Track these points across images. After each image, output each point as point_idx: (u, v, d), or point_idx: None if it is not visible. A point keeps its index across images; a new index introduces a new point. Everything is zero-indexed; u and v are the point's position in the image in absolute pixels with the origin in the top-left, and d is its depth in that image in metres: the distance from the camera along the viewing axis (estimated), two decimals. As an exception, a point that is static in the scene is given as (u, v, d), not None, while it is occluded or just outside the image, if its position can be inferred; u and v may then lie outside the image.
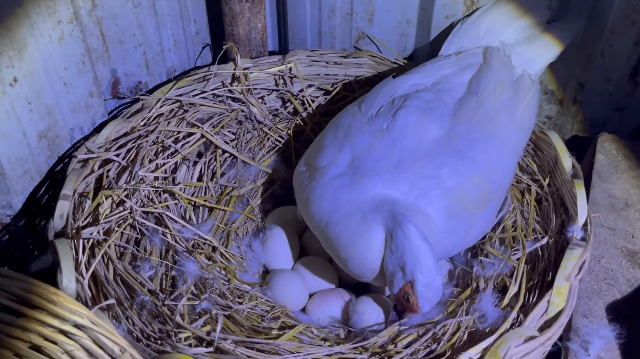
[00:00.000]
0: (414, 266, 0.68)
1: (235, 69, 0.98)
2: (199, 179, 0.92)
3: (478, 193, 0.76)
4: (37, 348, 0.53)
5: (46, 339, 0.52)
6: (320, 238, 0.77)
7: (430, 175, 0.74)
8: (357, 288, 0.86)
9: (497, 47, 0.89)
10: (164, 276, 0.76)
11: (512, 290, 0.73)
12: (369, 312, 0.77)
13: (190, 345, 0.65)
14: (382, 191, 0.72)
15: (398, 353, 0.67)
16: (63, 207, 0.75)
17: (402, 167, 0.74)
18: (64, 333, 0.52)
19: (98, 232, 0.75)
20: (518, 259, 0.77)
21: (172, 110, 0.94)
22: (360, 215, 0.71)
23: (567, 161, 0.84)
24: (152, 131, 0.89)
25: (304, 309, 0.84)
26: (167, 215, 0.82)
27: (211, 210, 0.90)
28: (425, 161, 0.75)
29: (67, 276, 0.66)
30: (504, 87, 0.82)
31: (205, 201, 0.89)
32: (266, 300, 0.80)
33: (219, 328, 0.65)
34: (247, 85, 0.99)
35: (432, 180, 0.74)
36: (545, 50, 0.91)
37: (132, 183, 0.82)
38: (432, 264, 0.68)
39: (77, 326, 0.52)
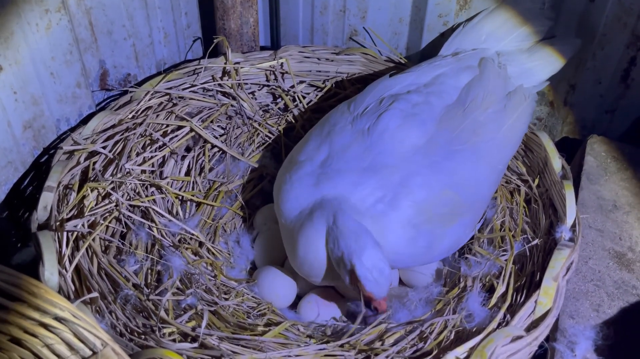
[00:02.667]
0: (350, 253, 0.68)
1: (225, 63, 0.98)
2: (187, 173, 0.91)
3: (446, 207, 0.75)
4: (16, 341, 0.52)
5: (26, 332, 0.51)
6: (281, 231, 0.78)
7: (399, 183, 0.73)
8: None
9: (492, 58, 0.87)
10: (149, 271, 0.75)
11: (500, 290, 0.73)
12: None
13: (174, 340, 0.64)
14: (336, 191, 0.72)
15: (385, 350, 0.66)
16: (47, 199, 0.74)
17: (372, 171, 0.74)
18: (45, 325, 0.51)
19: (82, 225, 0.74)
20: (506, 259, 0.77)
21: (161, 103, 0.93)
22: (309, 213, 0.72)
23: (556, 162, 0.84)
24: (140, 124, 0.88)
25: (292, 306, 0.83)
26: (153, 209, 0.81)
27: (199, 205, 0.89)
28: (398, 168, 0.74)
29: (50, 269, 0.65)
30: (492, 100, 0.81)
31: (192, 196, 0.89)
32: (253, 297, 0.80)
33: (204, 323, 0.64)
34: (237, 80, 0.98)
35: (399, 188, 0.73)
36: (545, 62, 0.90)
37: (119, 176, 0.81)
38: (369, 247, 0.68)
39: (58, 319, 0.51)
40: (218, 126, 0.97)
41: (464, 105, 0.79)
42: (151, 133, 0.88)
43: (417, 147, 0.76)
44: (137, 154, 0.86)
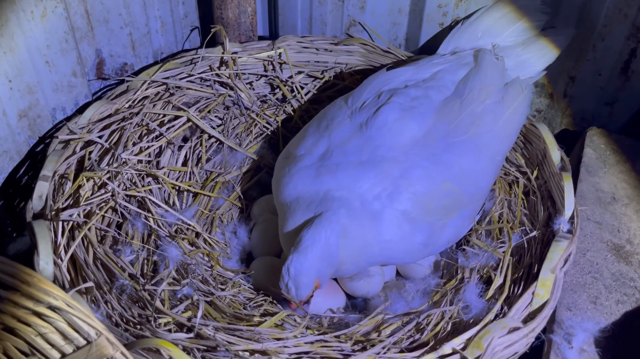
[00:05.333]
0: (293, 250, 0.69)
1: (223, 53, 0.97)
2: (184, 164, 0.91)
3: (447, 200, 0.74)
4: (10, 330, 0.51)
5: (20, 321, 0.51)
6: (279, 218, 0.78)
7: (399, 176, 0.72)
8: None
9: (489, 49, 0.87)
10: (145, 261, 0.75)
11: (497, 282, 0.73)
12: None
13: (170, 331, 0.64)
14: (338, 186, 0.72)
15: (381, 341, 0.66)
16: (42, 188, 0.73)
17: (372, 165, 0.73)
18: (38, 314, 0.50)
19: (78, 214, 0.73)
20: (504, 251, 0.77)
21: (158, 93, 0.92)
22: (308, 204, 0.72)
23: (555, 154, 0.83)
24: (137, 113, 0.87)
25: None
26: (150, 199, 0.80)
27: (195, 195, 0.89)
28: (397, 161, 0.73)
29: (45, 259, 0.64)
30: (490, 92, 0.80)
31: (189, 186, 0.88)
32: (249, 287, 0.79)
33: (199, 313, 0.64)
34: (235, 70, 0.97)
35: (399, 181, 0.72)
36: (541, 53, 0.90)
37: (115, 165, 0.80)
38: (309, 259, 0.68)
39: (52, 308, 0.50)
40: (215, 116, 0.96)
41: (461, 97, 0.79)
42: (148, 123, 0.87)
43: (416, 140, 0.75)
44: (134, 144, 0.85)
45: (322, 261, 0.69)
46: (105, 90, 0.99)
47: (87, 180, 0.77)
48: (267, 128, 0.98)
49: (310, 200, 0.72)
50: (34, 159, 0.88)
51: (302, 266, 0.68)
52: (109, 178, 0.78)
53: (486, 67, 0.83)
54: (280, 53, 0.99)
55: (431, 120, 0.77)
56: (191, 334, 0.63)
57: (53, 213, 0.71)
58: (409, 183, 0.72)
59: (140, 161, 0.85)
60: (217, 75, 0.96)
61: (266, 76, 1.00)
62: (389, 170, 0.73)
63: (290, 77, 1.00)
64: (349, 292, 0.83)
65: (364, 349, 0.65)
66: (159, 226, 0.79)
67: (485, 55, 0.84)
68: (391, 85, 0.81)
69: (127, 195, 0.80)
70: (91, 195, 0.77)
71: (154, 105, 0.90)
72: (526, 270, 0.74)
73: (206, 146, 0.92)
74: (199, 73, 0.95)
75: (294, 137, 0.85)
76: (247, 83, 0.99)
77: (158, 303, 0.66)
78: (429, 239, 0.74)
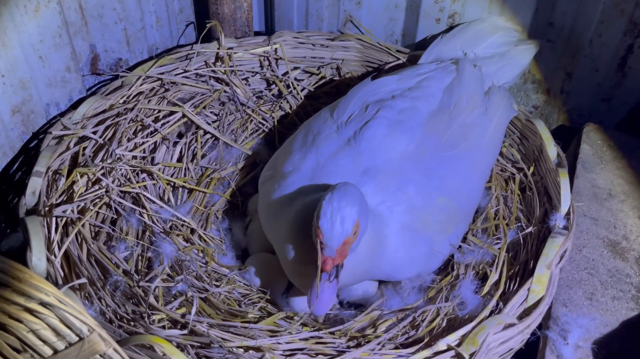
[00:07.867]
0: (327, 193, 0.63)
1: (219, 49, 0.96)
2: (179, 160, 0.90)
3: (443, 215, 0.74)
4: (2, 326, 0.51)
5: (11, 317, 0.50)
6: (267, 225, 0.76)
7: (395, 190, 0.72)
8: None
9: (467, 59, 0.88)
10: (139, 257, 0.74)
11: (493, 278, 0.73)
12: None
13: (163, 327, 0.64)
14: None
15: (377, 337, 0.66)
16: (35, 184, 0.73)
17: (369, 176, 0.72)
18: (30, 311, 0.50)
19: (72, 210, 0.73)
20: (499, 248, 0.76)
21: (153, 88, 0.92)
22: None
23: (552, 150, 0.83)
24: (132, 109, 0.86)
25: (283, 294, 0.83)
26: (144, 195, 0.80)
27: (191, 191, 0.88)
28: (392, 176, 0.72)
29: (37, 255, 0.64)
30: (476, 102, 0.80)
31: (184, 182, 0.88)
32: (244, 284, 0.79)
33: (194, 310, 0.64)
34: (230, 66, 0.96)
35: (397, 195, 0.71)
36: (516, 60, 0.93)
37: (109, 161, 0.80)
38: (348, 194, 0.62)
39: (43, 304, 0.50)
40: (211, 112, 0.95)
41: (449, 108, 0.79)
42: (142, 119, 0.87)
43: (407, 154, 0.74)
44: (128, 140, 0.85)
45: (362, 199, 0.64)
46: (99, 85, 0.99)
47: (81, 176, 0.77)
48: (263, 124, 0.98)
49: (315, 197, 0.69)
50: (28, 155, 0.88)
51: (345, 195, 0.62)
52: (103, 174, 0.78)
53: (468, 77, 0.83)
54: (276, 48, 0.99)
55: (420, 132, 0.76)
56: (185, 331, 0.63)
57: (46, 209, 0.71)
58: (407, 197, 0.72)
59: (134, 157, 0.84)
60: (213, 70, 0.96)
61: (262, 72, 1.00)
62: (386, 184, 0.72)
63: (286, 72, 1.00)
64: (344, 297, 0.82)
65: (359, 345, 0.65)
66: (153, 222, 0.79)
67: (465, 65, 0.84)
68: (377, 96, 0.80)
69: (121, 191, 0.79)
70: (85, 191, 0.76)
71: (149, 101, 0.89)
72: (522, 266, 0.74)
73: (201, 142, 0.92)
74: (194, 69, 0.95)
75: (277, 151, 0.83)
76: (242, 79, 0.98)
77: (152, 300, 0.65)
78: (430, 250, 0.73)
